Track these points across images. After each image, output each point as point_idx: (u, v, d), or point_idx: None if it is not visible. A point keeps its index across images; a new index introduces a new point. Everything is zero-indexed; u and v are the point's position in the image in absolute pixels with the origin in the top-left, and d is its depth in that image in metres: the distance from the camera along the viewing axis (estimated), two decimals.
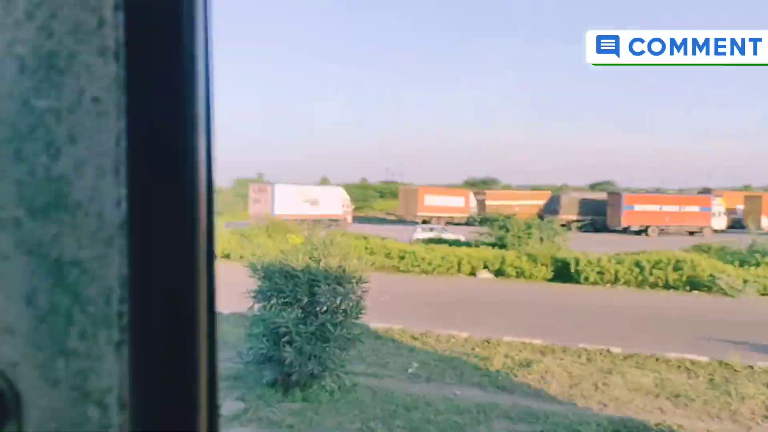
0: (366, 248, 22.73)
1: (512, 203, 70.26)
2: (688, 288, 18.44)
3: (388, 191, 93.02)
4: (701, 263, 18.86)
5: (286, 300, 7.21)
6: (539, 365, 8.52)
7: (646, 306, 15.97)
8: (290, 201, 50.24)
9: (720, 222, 55.04)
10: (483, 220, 39.08)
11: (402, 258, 21.68)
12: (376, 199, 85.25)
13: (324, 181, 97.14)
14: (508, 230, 28.14)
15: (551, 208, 59.97)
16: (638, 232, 52.50)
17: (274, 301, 7.32)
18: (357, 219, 62.38)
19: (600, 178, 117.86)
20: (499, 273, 20.94)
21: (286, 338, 7.04)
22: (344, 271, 7.30)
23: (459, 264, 21.23)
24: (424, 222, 64.11)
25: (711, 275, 18.29)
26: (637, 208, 52.87)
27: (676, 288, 18.59)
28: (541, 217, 67.40)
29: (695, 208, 53.43)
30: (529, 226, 28.61)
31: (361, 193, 79.98)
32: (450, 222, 65.69)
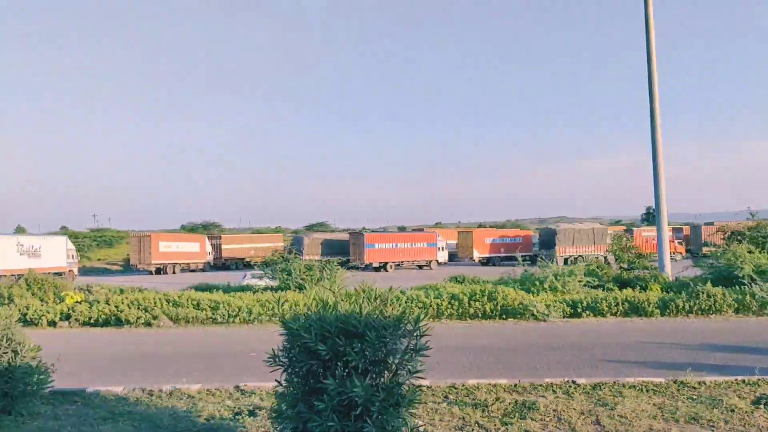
0: (168, 301, 20.19)
1: (248, 246, 69.30)
2: (504, 317, 19.81)
3: (102, 239, 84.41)
4: (510, 293, 20.45)
5: (353, 363, 5.82)
6: (541, 406, 8.19)
7: (492, 335, 16.65)
8: (5, 254, 42.56)
9: (443, 255, 61.10)
10: (260, 265, 37.31)
11: (215, 308, 19.57)
12: (92, 248, 76.66)
13: (21, 230, 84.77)
14: (290, 273, 27.52)
15: (295, 249, 60.13)
16: (377, 269, 55.57)
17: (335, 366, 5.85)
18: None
19: (314, 220, 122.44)
20: None
21: (359, 410, 5.68)
22: (415, 321, 6.18)
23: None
24: (159, 270, 59.31)
25: (521, 303, 19.92)
26: (377, 246, 55.88)
27: (492, 317, 19.84)
28: (284, 258, 66.89)
29: (423, 245, 58.41)
30: (309, 268, 28.37)
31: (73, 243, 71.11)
32: (186, 269, 62.02)
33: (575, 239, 67.09)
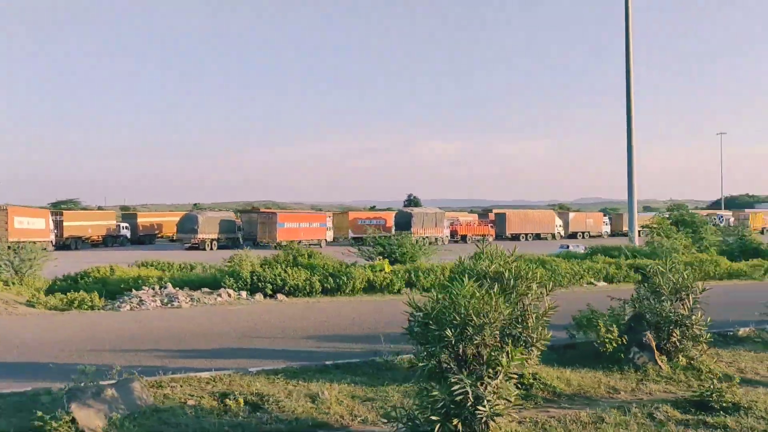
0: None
1: (87, 224, 60.26)
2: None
3: None
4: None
5: None
6: None
7: None
8: None
9: (330, 235, 61.07)
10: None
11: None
12: None
13: None
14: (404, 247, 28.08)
15: (188, 227, 54.31)
16: (279, 246, 53.33)
17: None
18: None
19: (59, 198, 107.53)
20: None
21: None
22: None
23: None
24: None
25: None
26: (287, 225, 54.06)
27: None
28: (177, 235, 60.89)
29: (317, 224, 58.04)
30: (416, 243, 29.73)
31: None
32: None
33: (425, 222, 71.63)
